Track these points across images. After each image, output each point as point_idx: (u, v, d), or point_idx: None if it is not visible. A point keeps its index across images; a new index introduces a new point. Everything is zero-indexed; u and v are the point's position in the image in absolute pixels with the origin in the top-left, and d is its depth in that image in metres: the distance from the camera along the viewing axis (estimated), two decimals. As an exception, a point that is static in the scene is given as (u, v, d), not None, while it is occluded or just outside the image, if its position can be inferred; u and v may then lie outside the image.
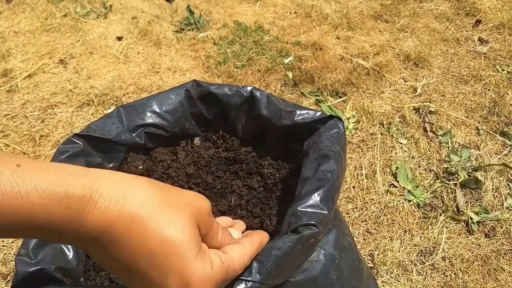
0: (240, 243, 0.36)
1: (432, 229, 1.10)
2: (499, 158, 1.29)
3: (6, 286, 0.94)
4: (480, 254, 1.05)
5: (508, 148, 1.32)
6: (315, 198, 0.46)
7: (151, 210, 0.29)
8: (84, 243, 0.28)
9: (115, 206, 0.28)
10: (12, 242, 1.03)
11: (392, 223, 1.11)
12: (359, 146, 1.32)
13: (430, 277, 1.01)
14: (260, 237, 0.39)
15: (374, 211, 1.14)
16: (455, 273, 1.01)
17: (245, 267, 0.35)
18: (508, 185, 1.21)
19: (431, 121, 1.41)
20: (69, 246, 0.48)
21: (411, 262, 1.03)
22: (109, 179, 0.29)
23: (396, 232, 1.09)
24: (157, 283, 0.29)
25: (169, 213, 0.29)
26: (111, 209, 0.28)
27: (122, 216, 0.28)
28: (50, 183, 0.26)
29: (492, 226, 1.11)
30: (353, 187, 1.20)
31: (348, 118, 1.41)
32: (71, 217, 0.27)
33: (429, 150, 1.31)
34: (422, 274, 1.01)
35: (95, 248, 0.29)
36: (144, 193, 0.29)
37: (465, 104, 1.49)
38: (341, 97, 1.51)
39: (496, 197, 1.18)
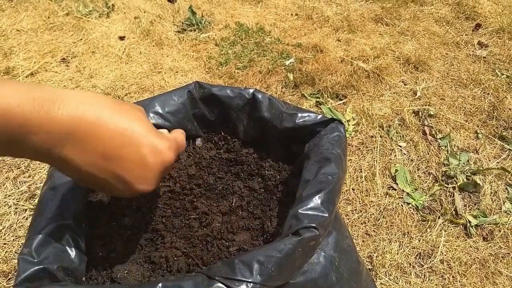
0: (174, 133, 0.47)
1: (430, 232, 1.11)
2: (498, 162, 1.30)
3: (7, 284, 0.95)
4: (478, 258, 1.05)
5: (507, 152, 1.33)
6: (316, 200, 0.46)
7: (113, 109, 0.36)
8: (60, 141, 0.33)
9: (82, 105, 0.34)
10: (13, 240, 1.04)
11: (391, 225, 1.12)
12: (359, 149, 1.33)
13: (429, 279, 1.01)
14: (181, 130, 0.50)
15: (373, 214, 1.14)
16: (453, 276, 1.02)
17: (185, 144, 0.47)
18: (507, 189, 1.22)
19: (431, 125, 1.42)
20: (72, 246, 0.49)
21: (410, 264, 1.04)
22: (72, 90, 0.35)
23: (395, 235, 1.10)
24: (134, 156, 0.37)
25: (128, 110, 0.38)
26: (81, 108, 0.33)
27: (90, 111, 0.34)
28: (22, 88, 0.31)
29: (490, 229, 1.12)
30: (353, 189, 1.20)
31: (348, 121, 1.41)
32: (45, 112, 0.31)
33: (428, 153, 1.32)
34: (421, 277, 1.02)
35: (72, 144, 0.34)
36: (102, 98, 0.36)
37: (464, 107, 1.49)
38: (342, 100, 1.51)
39: (495, 201, 1.19)
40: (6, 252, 1.01)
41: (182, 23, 1.88)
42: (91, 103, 0.34)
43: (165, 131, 0.48)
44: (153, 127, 0.40)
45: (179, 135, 0.46)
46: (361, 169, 1.26)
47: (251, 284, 0.38)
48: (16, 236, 1.05)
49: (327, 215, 0.46)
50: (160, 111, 0.63)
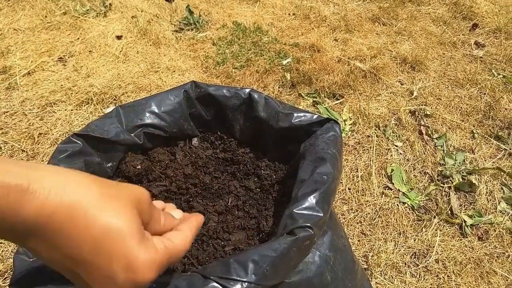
0: (181, 230, 0.37)
1: (426, 231, 1.11)
2: (493, 162, 1.30)
3: (3, 283, 0.95)
4: (473, 257, 1.06)
5: (503, 152, 1.34)
6: (311, 200, 0.47)
7: (92, 200, 0.29)
8: (23, 235, 0.28)
9: (55, 197, 0.28)
10: (9, 239, 1.04)
11: (387, 225, 1.12)
12: (355, 148, 1.33)
13: (424, 279, 1.02)
14: (197, 220, 0.41)
15: (369, 213, 1.15)
16: (448, 276, 1.02)
17: (187, 250, 0.37)
18: (502, 188, 1.22)
19: (427, 124, 1.42)
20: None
21: (405, 264, 1.05)
22: (47, 170, 0.29)
23: (391, 234, 1.10)
24: (102, 269, 0.29)
25: (110, 203, 0.30)
26: (51, 200, 0.28)
27: (63, 206, 0.28)
28: None
29: (485, 229, 1.12)
30: (349, 189, 1.21)
31: (344, 120, 1.42)
32: (8, 207, 0.27)
33: (424, 153, 1.32)
34: (416, 276, 1.03)
35: (35, 240, 0.29)
36: (83, 185, 0.30)
37: (461, 107, 1.50)
38: (338, 99, 1.52)
39: (490, 200, 1.19)
40: (2, 251, 1.01)
41: (180, 22, 1.88)
42: (69, 190, 0.29)
43: (177, 214, 0.41)
44: (140, 227, 0.32)
45: (182, 236, 0.37)
46: (357, 169, 1.26)
47: (246, 283, 0.39)
48: (12, 235, 1.04)
49: (322, 214, 0.46)
50: (156, 110, 0.63)
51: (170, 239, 0.35)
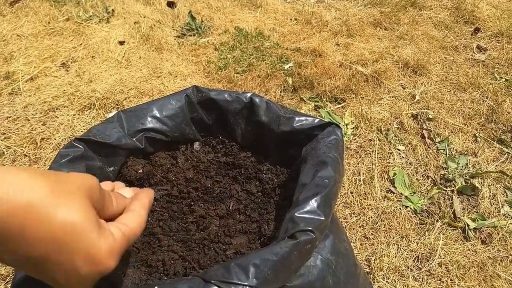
0: (134, 210, 0.38)
1: (428, 235, 1.11)
2: (496, 165, 1.30)
3: (5, 287, 0.95)
4: (476, 261, 1.05)
5: (505, 155, 1.33)
6: (313, 204, 0.47)
7: (45, 198, 0.29)
8: None
9: (7, 200, 0.28)
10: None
11: (389, 228, 1.12)
12: (357, 152, 1.33)
13: (426, 283, 1.01)
14: (148, 197, 0.42)
15: (371, 217, 1.14)
16: (451, 280, 1.02)
17: (143, 229, 0.38)
18: (505, 192, 1.22)
19: (429, 128, 1.42)
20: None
21: (408, 267, 1.04)
22: (2, 169, 0.29)
23: (393, 238, 1.10)
24: (65, 264, 0.30)
25: (63, 199, 0.30)
26: (2, 203, 0.27)
27: (16, 208, 0.28)
28: None
29: (488, 233, 1.12)
30: (351, 193, 1.20)
31: (346, 124, 1.42)
32: None
33: (427, 157, 1.32)
34: (419, 280, 1.02)
35: None
36: (34, 183, 0.29)
37: (463, 111, 1.50)
38: (340, 103, 1.52)
39: (493, 204, 1.19)
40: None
41: (182, 28, 1.89)
42: (21, 190, 0.28)
43: (127, 192, 0.42)
44: (96, 217, 0.32)
45: (136, 217, 0.38)
46: (359, 173, 1.26)
47: (247, 287, 0.38)
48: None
49: (323, 218, 0.46)
50: (158, 115, 0.64)
51: (125, 224, 0.36)
